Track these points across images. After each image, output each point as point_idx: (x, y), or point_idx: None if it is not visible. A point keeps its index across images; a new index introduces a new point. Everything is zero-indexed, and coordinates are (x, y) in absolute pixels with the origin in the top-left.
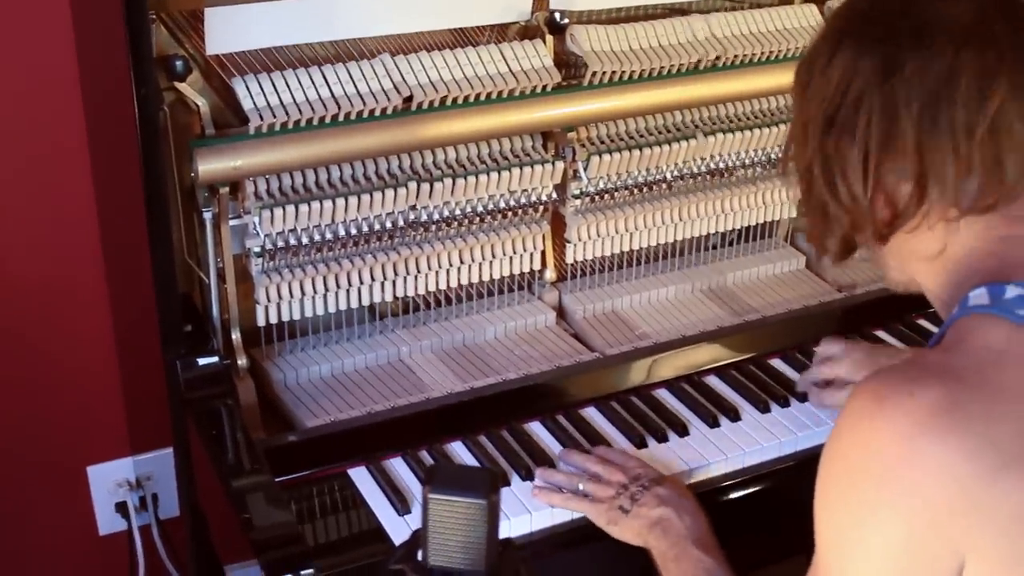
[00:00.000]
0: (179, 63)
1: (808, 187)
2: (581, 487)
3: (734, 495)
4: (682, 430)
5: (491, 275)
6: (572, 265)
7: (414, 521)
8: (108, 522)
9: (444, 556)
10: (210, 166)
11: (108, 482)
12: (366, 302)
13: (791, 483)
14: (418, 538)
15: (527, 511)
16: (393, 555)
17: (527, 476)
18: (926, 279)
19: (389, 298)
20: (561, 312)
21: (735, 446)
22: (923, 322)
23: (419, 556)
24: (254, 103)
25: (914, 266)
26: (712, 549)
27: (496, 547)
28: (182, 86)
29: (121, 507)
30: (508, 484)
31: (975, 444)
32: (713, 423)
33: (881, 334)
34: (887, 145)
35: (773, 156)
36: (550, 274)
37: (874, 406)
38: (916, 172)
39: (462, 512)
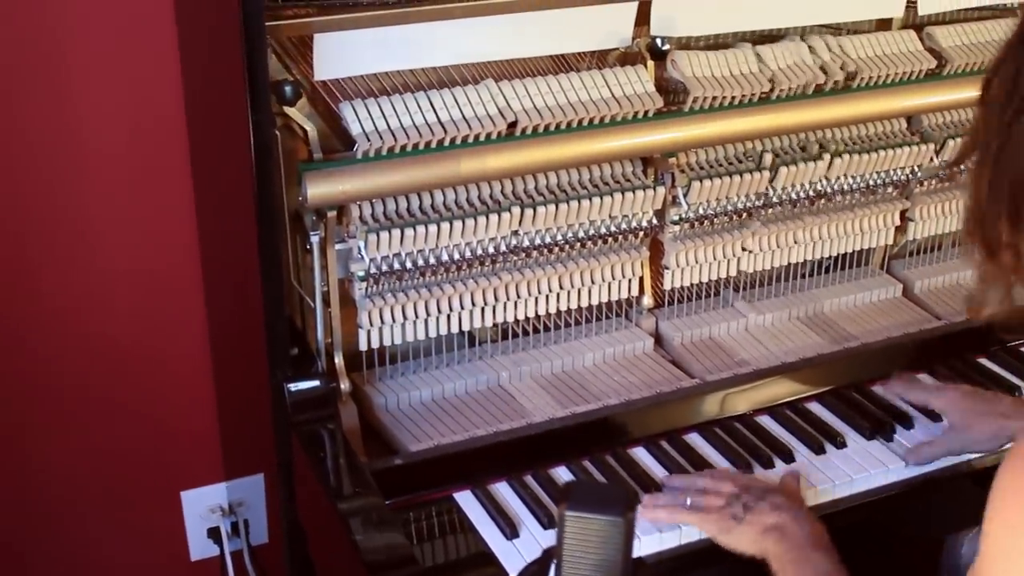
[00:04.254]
0: (288, 88)
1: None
2: (689, 502)
3: (844, 522)
4: (788, 456)
5: (589, 301)
6: (669, 291)
7: (522, 545)
8: (200, 547)
9: (578, 574)
10: (319, 190)
11: (201, 507)
12: (466, 328)
13: (900, 510)
14: (550, 556)
15: (636, 536)
16: (522, 574)
17: None
18: None
19: (488, 324)
20: (658, 339)
21: (842, 473)
22: None
23: (551, 574)
24: (361, 128)
25: None
26: (831, 553)
27: (630, 565)
28: (291, 111)
29: (213, 532)
30: None
31: None
32: (819, 450)
33: (984, 361)
34: None
35: (871, 182)
36: (648, 300)
37: None
38: None
39: (598, 530)
